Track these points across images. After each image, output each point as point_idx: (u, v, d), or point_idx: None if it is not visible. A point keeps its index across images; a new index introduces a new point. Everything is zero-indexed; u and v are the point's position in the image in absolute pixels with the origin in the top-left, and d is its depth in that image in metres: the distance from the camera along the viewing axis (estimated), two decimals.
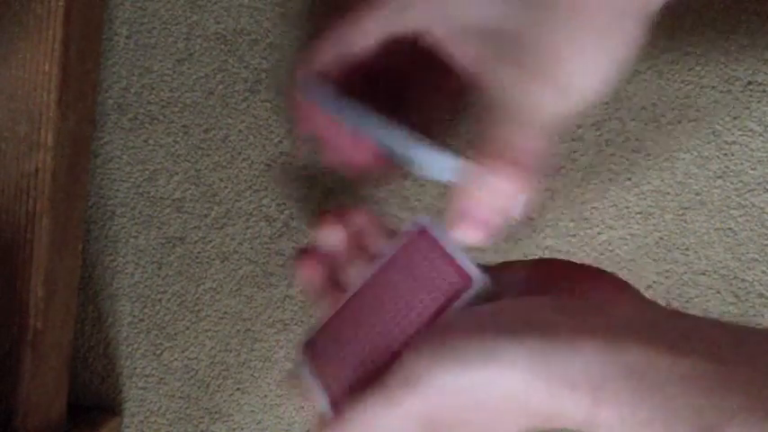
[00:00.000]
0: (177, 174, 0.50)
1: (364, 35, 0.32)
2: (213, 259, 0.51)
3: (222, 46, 0.49)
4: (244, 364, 0.51)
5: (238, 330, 0.51)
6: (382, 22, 0.32)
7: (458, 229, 0.31)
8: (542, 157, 0.29)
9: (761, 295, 0.46)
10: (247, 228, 0.50)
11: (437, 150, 0.32)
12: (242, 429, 0.52)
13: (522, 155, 0.28)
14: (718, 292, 0.46)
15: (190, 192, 0.50)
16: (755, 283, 0.46)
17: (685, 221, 0.46)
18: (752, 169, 0.46)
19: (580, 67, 0.27)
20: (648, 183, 0.46)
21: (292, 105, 0.38)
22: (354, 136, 0.35)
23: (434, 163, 0.32)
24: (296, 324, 0.50)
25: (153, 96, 0.50)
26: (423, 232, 0.33)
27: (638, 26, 0.27)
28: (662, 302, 0.47)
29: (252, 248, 0.50)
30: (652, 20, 0.28)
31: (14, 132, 0.44)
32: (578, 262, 0.32)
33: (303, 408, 0.51)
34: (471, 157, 0.30)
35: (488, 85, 0.29)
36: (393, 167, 0.35)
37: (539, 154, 0.29)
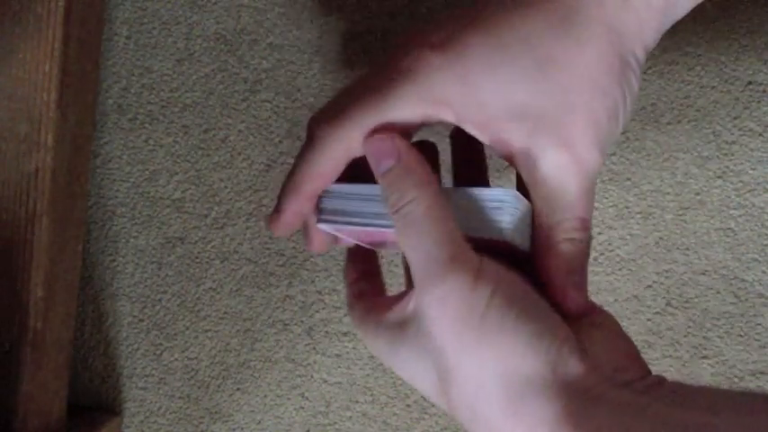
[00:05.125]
0: (177, 174, 0.50)
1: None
2: (213, 259, 0.51)
3: (222, 46, 0.49)
4: (244, 364, 0.51)
5: (238, 330, 0.51)
6: (412, 121, 0.30)
7: (562, 298, 0.31)
8: (591, 213, 0.31)
9: (761, 295, 0.46)
10: (247, 228, 0.50)
11: None
12: (242, 429, 0.52)
13: (580, 223, 0.30)
14: (718, 292, 0.46)
15: (190, 192, 0.50)
16: (755, 283, 0.46)
17: (685, 221, 0.46)
18: (752, 169, 0.46)
19: (606, 128, 0.29)
20: (648, 183, 0.46)
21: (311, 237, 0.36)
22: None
23: None
24: (296, 324, 0.50)
25: (153, 96, 0.50)
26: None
27: (635, 71, 0.29)
28: (662, 302, 0.47)
29: (252, 248, 0.50)
30: (645, 60, 0.30)
31: (14, 132, 0.44)
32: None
33: (303, 408, 0.51)
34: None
35: (529, 168, 0.30)
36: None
37: (590, 212, 0.30)
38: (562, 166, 0.29)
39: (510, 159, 0.30)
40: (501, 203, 0.30)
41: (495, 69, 0.29)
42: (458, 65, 0.29)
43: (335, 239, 0.35)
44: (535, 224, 0.31)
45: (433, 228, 0.28)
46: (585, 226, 0.30)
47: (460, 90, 0.29)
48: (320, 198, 0.33)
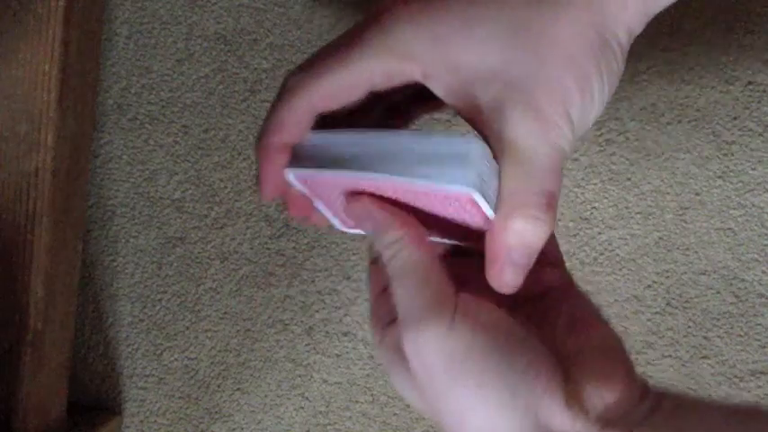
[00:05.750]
0: (177, 174, 0.50)
1: (351, 89, 0.30)
2: (213, 259, 0.51)
3: (222, 46, 0.49)
4: (244, 364, 0.51)
5: (238, 330, 0.51)
6: (376, 74, 0.29)
7: (496, 276, 0.29)
8: (558, 193, 0.29)
9: (761, 295, 0.46)
10: (247, 228, 0.50)
11: None
12: (242, 429, 0.52)
13: (546, 197, 0.29)
14: (718, 292, 0.46)
15: (190, 192, 0.50)
16: (755, 283, 0.46)
17: (685, 221, 0.46)
18: (752, 169, 0.46)
19: (578, 104, 0.28)
20: (648, 183, 0.46)
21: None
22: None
23: None
24: (296, 324, 0.50)
25: (153, 96, 0.50)
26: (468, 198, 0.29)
27: (615, 53, 0.29)
28: (662, 302, 0.47)
29: (252, 248, 0.50)
30: (629, 44, 0.29)
31: (14, 132, 0.44)
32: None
33: (303, 408, 0.51)
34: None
35: (496, 131, 0.29)
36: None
37: (558, 191, 0.29)
38: (530, 130, 0.28)
39: (475, 122, 0.29)
40: (467, 154, 0.28)
41: (469, 30, 0.28)
42: (431, 21, 0.29)
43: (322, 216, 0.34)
44: (499, 190, 0.29)
45: (412, 276, 0.28)
46: (551, 203, 0.29)
47: (430, 45, 0.28)
48: (293, 150, 0.31)
